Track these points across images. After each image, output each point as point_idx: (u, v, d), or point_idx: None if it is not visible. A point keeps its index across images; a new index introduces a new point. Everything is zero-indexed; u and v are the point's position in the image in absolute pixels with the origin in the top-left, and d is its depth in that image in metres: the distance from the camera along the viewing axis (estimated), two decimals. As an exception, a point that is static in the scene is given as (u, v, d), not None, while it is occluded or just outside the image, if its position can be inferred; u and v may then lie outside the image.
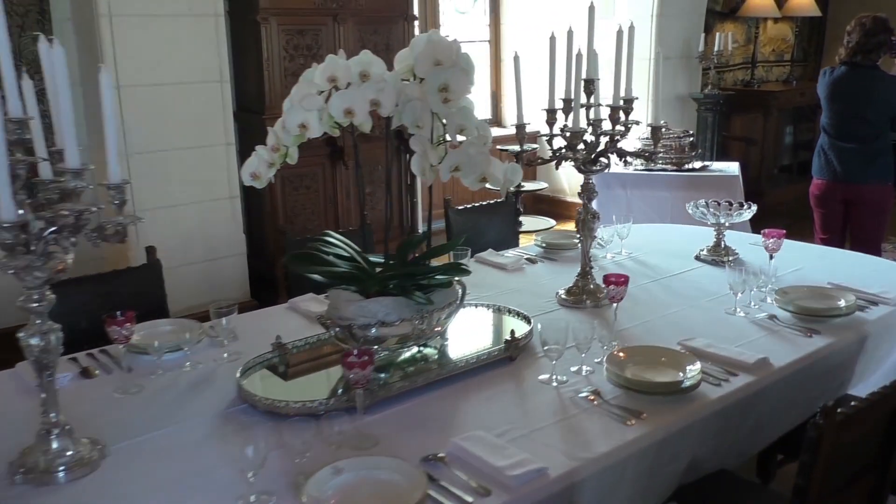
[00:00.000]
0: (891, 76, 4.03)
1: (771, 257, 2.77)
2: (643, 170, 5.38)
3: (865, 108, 4.00)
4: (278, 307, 2.72)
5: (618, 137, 2.53)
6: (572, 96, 2.54)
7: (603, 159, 2.56)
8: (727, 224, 3.06)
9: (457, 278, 2.21)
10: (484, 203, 3.74)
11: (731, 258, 3.03)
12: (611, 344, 2.16)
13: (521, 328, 2.33)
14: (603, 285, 2.37)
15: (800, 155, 8.78)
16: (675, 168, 5.35)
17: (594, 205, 5.41)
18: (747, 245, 3.23)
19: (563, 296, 2.66)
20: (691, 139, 5.46)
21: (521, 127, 2.58)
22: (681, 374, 1.96)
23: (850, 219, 4.20)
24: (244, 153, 5.00)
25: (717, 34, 6.44)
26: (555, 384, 2.01)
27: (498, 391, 2.01)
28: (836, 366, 2.30)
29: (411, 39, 1.99)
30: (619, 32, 2.48)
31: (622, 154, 2.55)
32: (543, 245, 3.30)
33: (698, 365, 1.98)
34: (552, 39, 2.56)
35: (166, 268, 4.43)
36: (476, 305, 2.55)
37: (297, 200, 4.95)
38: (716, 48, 6.39)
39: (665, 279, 2.91)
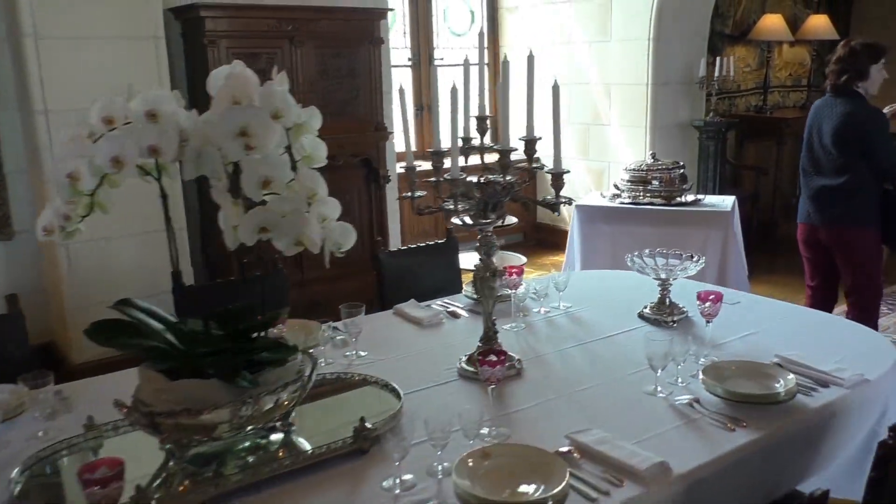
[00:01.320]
0: (857, 103, 3.60)
1: (707, 322, 2.39)
2: (629, 204, 5.01)
3: (826, 136, 3.61)
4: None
5: (517, 184, 2.17)
6: (471, 134, 2.20)
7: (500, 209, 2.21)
8: (671, 280, 2.68)
9: (311, 349, 1.88)
10: (421, 244, 3.40)
11: (675, 318, 2.65)
12: (478, 436, 1.81)
13: (391, 408, 1.99)
14: (490, 361, 2.00)
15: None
16: (663, 202, 4.96)
17: (576, 237, 5.08)
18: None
19: (465, 364, 2.31)
20: (682, 171, 5.07)
21: (410, 170, 2.24)
22: (541, 489, 1.60)
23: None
24: (199, 182, 4.77)
25: (718, 58, 6.02)
26: (397, 491, 1.66)
27: (326, 499, 1.67)
28: (765, 466, 1.91)
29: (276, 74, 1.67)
30: (505, 63, 2.12)
31: (526, 203, 2.20)
32: (475, 296, 2.95)
33: (567, 475, 1.61)
34: (460, 66, 2.21)
35: (98, 303, 4.13)
36: (350, 375, 2.21)
37: (254, 232, 4.67)
38: (716, 73, 5.97)
39: (595, 342, 2.54)
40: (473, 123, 2.23)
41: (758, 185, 7.20)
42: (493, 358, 1.89)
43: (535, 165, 2.20)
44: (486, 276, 2.26)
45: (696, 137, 6.33)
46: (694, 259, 2.71)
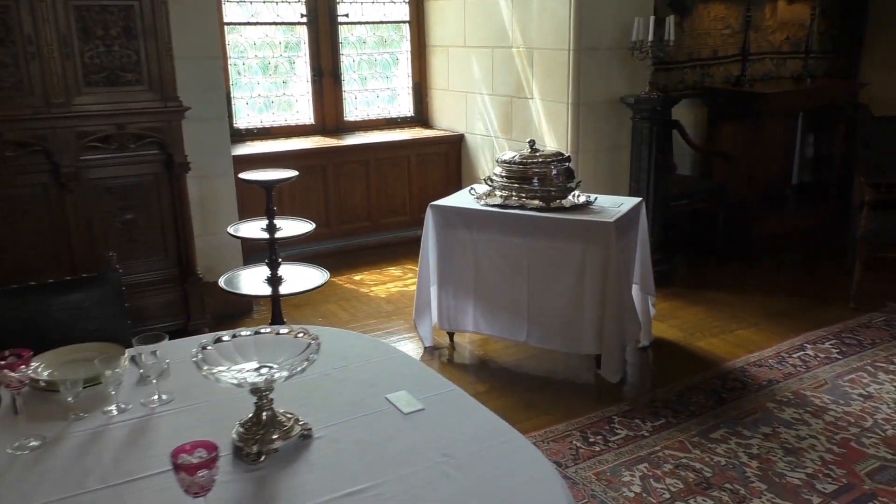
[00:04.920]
0: None
1: (196, 498, 1.33)
2: (496, 206, 3.89)
3: None
4: None
5: None
6: None
7: None
8: (269, 389, 1.62)
9: None
10: (54, 280, 2.41)
11: (265, 449, 1.60)
12: None
13: None
14: None
15: (822, 173, 6.90)
16: (542, 204, 3.83)
17: (430, 245, 3.97)
18: (383, 399, 1.81)
19: None
20: (566, 165, 3.92)
21: None
22: None
23: None
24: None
25: (651, 18, 4.75)
26: None
27: None
28: None
29: None
30: None
31: None
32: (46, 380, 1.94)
33: None
34: None
35: None
36: None
37: (16, 229, 3.75)
38: (650, 37, 4.70)
39: (78, 498, 1.52)
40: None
41: (728, 174, 5.92)
42: None
43: None
44: None
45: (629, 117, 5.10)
46: (310, 348, 1.65)
